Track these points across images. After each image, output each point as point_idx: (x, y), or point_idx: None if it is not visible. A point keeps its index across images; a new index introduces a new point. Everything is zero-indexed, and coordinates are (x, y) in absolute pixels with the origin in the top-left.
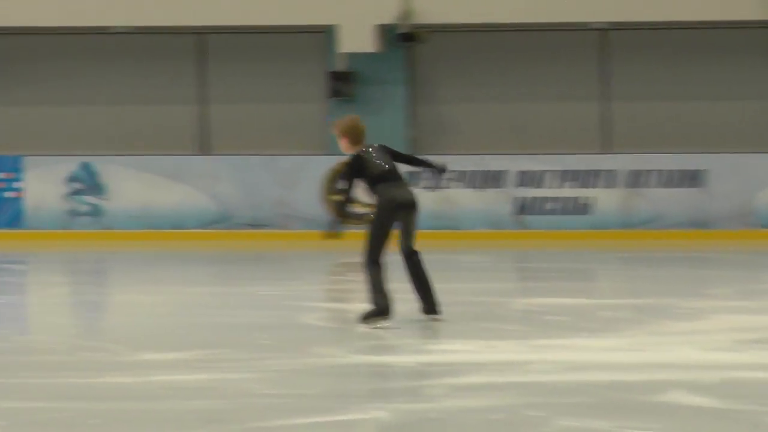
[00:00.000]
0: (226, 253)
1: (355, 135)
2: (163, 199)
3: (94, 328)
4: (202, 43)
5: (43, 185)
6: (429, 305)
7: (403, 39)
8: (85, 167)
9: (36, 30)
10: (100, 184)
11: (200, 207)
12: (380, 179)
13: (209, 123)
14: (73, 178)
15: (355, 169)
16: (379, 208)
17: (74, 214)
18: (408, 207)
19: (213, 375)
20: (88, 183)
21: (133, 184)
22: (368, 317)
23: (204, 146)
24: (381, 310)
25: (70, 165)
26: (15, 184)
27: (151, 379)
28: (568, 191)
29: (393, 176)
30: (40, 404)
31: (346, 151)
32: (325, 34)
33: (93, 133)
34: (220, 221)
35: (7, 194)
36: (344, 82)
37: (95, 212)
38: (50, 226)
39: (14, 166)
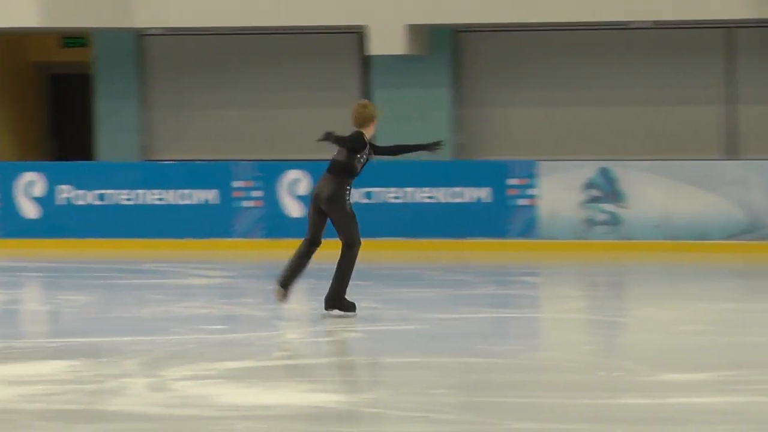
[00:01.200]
0: (755, 267)
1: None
2: (687, 208)
3: (611, 346)
4: (730, 38)
5: (558, 192)
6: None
7: None
8: (604, 173)
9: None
10: (619, 191)
11: (727, 216)
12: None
13: (738, 124)
14: (590, 185)
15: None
16: None
17: (591, 223)
18: (314, 199)
19: (738, 398)
20: (606, 190)
21: (654, 191)
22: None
23: (732, 150)
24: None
25: (587, 170)
26: (529, 191)
27: (669, 401)
28: None
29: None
30: (548, 426)
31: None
32: None
33: (611, 136)
34: (750, 231)
35: (521, 201)
36: None
37: (613, 221)
38: (565, 235)
39: (529, 172)
